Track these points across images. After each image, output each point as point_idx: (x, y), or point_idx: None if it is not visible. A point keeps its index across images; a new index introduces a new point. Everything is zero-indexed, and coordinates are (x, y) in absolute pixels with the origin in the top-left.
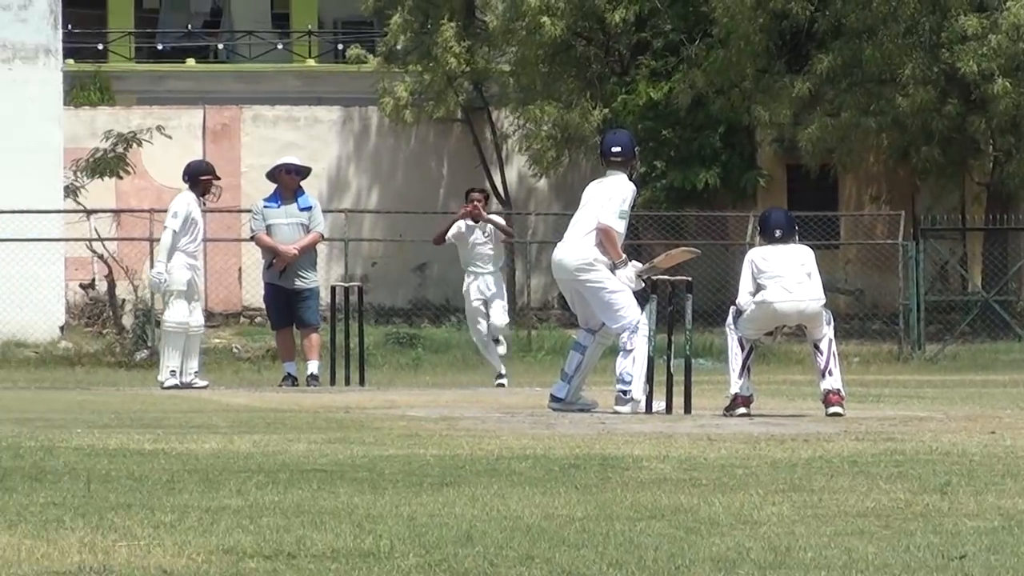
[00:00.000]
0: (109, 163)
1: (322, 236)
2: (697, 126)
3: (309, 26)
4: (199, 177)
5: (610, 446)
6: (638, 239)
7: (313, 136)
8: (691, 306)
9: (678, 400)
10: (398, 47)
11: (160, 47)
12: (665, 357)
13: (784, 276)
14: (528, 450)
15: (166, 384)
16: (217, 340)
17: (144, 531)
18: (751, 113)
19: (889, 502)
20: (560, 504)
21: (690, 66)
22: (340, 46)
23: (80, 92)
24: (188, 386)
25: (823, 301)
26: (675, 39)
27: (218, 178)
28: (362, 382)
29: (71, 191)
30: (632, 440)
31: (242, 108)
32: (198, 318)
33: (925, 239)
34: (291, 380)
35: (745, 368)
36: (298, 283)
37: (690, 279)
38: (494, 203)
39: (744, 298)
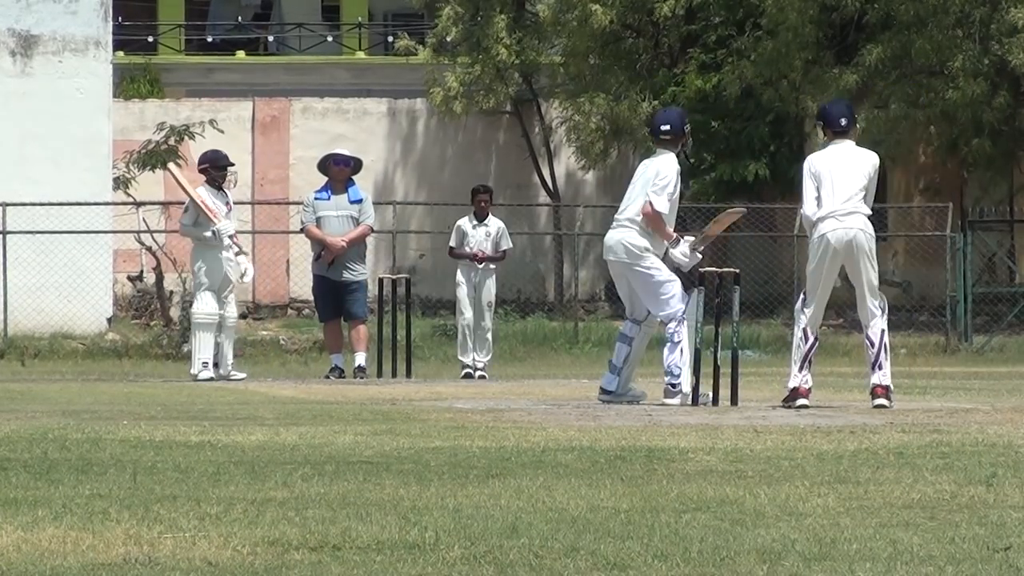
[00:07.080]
0: (161, 155)
1: (371, 229)
2: (746, 117)
3: (359, 18)
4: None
5: (656, 438)
6: (687, 231)
7: (362, 128)
8: (739, 298)
9: (724, 392)
10: (449, 39)
11: (210, 39)
12: (712, 349)
13: (835, 197)
14: (574, 442)
15: (200, 376)
16: (264, 332)
17: (190, 523)
18: (799, 104)
19: (935, 494)
20: (605, 496)
21: (739, 57)
22: (390, 38)
23: (130, 84)
24: (225, 378)
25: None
26: (724, 33)
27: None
28: (409, 374)
29: (121, 183)
30: (678, 432)
31: (291, 100)
32: (232, 310)
33: (973, 231)
34: (338, 372)
35: (807, 361)
36: (346, 275)
37: (738, 271)
38: (541, 195)
39: (810, 206)
